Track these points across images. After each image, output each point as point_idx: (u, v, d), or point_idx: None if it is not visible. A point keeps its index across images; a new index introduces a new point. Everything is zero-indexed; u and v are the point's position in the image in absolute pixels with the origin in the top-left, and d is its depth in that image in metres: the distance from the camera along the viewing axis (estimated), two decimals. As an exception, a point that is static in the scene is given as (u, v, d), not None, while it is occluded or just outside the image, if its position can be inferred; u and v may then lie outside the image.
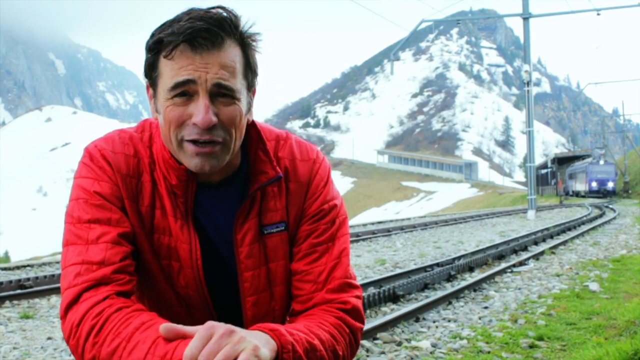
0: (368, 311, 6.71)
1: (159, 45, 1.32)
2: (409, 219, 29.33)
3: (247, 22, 1.37)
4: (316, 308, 1.42)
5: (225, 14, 1.33)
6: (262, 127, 1.49)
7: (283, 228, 1.47)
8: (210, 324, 1.15)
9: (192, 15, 1.30)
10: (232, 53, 1.33)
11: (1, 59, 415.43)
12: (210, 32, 1.29)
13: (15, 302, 7.59)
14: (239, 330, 1.15)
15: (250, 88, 1.40)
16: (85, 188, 1.38)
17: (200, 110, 1.29)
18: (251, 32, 1.38)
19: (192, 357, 1.11)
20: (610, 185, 57.19)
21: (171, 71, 1.31)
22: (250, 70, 1.38)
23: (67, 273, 1.33)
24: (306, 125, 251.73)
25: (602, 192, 56.33)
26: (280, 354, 1.19)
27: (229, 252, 1.46)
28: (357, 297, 1.45)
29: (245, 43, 1.37)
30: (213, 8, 1.34)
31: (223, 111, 1.32)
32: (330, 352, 1.32)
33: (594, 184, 57.00)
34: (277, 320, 1.52)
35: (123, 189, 1.39)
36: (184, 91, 1.30)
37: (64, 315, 1.30)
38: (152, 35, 1.33)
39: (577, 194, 61.39)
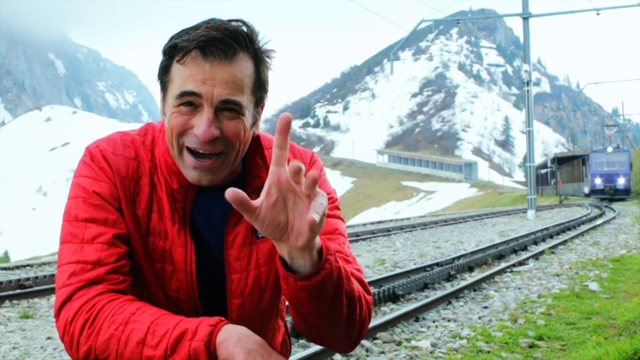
0: (368, 311, 6.70)
1: (173, 50, 1.34)
2: (408, 218, 29.32)
3: (264, 38, 1.38)
4: None
5: (243, 28, 1.34)
6: (262, 135, 1.51)
7: None
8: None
9: (210, 24, 1.33)
10: (243, 67, 1.34)
11: (1, 59, 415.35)
12: (224, 42, 1.31)
13: (15, 302, 7.59)
14: None
15: (259, 103, 1.42)
16: (85, 187, 1.40)
17: (202, 124, 1.31)
18: (266, 48, 1.39)
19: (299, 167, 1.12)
20: (621, 181, 40.95)
21: (181, 78, 1.33)
22: (260, 86, 1.39)
23: (62, 272, 1.35)
24: (306, 125, 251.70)
25: (608, 192, 41.07)
26: (324, 255, 1.22)
27: (223, 254, 1.47)
28: (360, 271, 1.44)
29: (258, 59, 1.38)
30: (234, 20, 1.35)
31: (227, 125, 1.34)
32: (357, 297, 1.34)
33: (598, 181, 41.29)
34: (264, 324, 1.53)
35: (121, 191, 1.41)
36: (190, 101, 1.32)
37: (57, 313, 1.33)
38: (170, 39, 1.35)
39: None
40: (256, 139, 1.48)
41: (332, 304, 1.27)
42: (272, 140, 1.52)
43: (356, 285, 1.34)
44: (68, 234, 1.38)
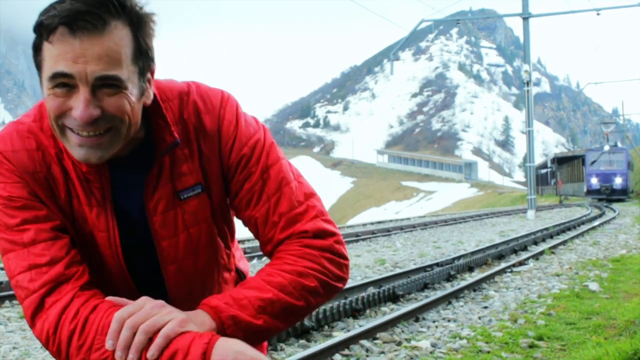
0: (368, 311, 6.71)
1: (41, 28, 1.21)
2: (408, 218, 29.33)
3: (140, 2, 1.26)
4: (280, 247, 1.38)
5: None
6: (161, 87, 1.39)
7: (200, 190, 1.39)
8: (145, 297, 1.23)
9: None
10: (117, 36, 1.21)
11: (1, 59, 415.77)
12: (91, 14, 1.18)
13: (15, 302, 7.59)
14: (171, 307, 1.23)
15: (144, 73, 1.28)
16: None
17: (79, 105, 1.20)
18: (143, 12, 1.26)
19: (121, 319, 1.19)
20: (618, 181, 39.39)
21: (51, 58, 1.20)
22: (141, 54, 1.26)
23: (18, 282, 1.28)
24: (306, 125, 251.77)
25: (604, 193, 39.61)
26: (222, 331, 1.22)
27: (147, 225, 1.39)
28: (315, 217, 1.38)
29: (135, 25, 1.25)
30: None
31: (108, 102, 1.22)
32: (298, 291, 1.31)
33: (594, 180, 40.00)
34: (207, 282, 1.48)
35: (35, 187, 1.31)
36: (64, 82, 1.21)
37: (32, 324, 1.27)
38: (38, 16, 1.23)
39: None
40: (153, 101, 1.34)
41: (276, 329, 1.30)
42: (174, 88, 1.40)
43: (294, 284, 1.31)
44: (6, 244, 1.29)
